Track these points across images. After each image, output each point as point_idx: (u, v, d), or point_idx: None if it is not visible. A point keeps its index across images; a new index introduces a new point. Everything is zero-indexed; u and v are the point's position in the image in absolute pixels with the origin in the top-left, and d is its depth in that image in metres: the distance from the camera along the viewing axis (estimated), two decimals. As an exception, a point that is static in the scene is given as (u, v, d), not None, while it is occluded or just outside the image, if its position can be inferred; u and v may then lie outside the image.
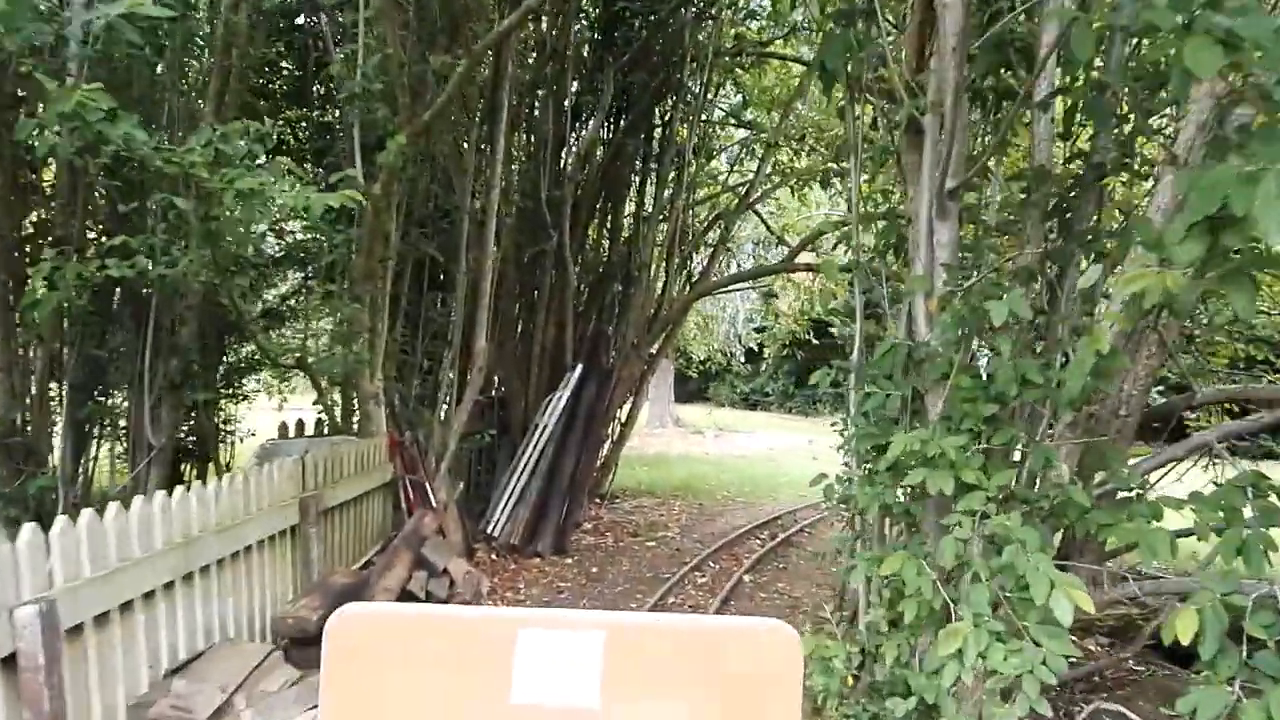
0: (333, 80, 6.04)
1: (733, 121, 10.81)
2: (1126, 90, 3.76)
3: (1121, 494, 3.67)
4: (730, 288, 13.95)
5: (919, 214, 4.02)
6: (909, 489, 3.90)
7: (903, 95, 4.13)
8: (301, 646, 4.41)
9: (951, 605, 3.43)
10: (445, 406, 7.96)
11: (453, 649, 1.60)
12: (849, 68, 4.45)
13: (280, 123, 7.63)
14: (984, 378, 3.85)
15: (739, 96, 10.59)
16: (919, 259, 4.05)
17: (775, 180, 10.91)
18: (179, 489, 3.84)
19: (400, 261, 7.51)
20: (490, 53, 7.21)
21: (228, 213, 4.55)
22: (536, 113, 9.03)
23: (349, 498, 5.96)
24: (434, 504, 7.11)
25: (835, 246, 10.79)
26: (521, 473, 8.89)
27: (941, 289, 3.91)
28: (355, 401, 7.12)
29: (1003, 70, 4.27)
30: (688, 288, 10.06)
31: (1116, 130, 3.85)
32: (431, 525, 6.74)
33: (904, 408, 4.15)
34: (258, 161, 4.48)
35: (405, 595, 5.99)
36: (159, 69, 6.15)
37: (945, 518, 3.54)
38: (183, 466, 8.18)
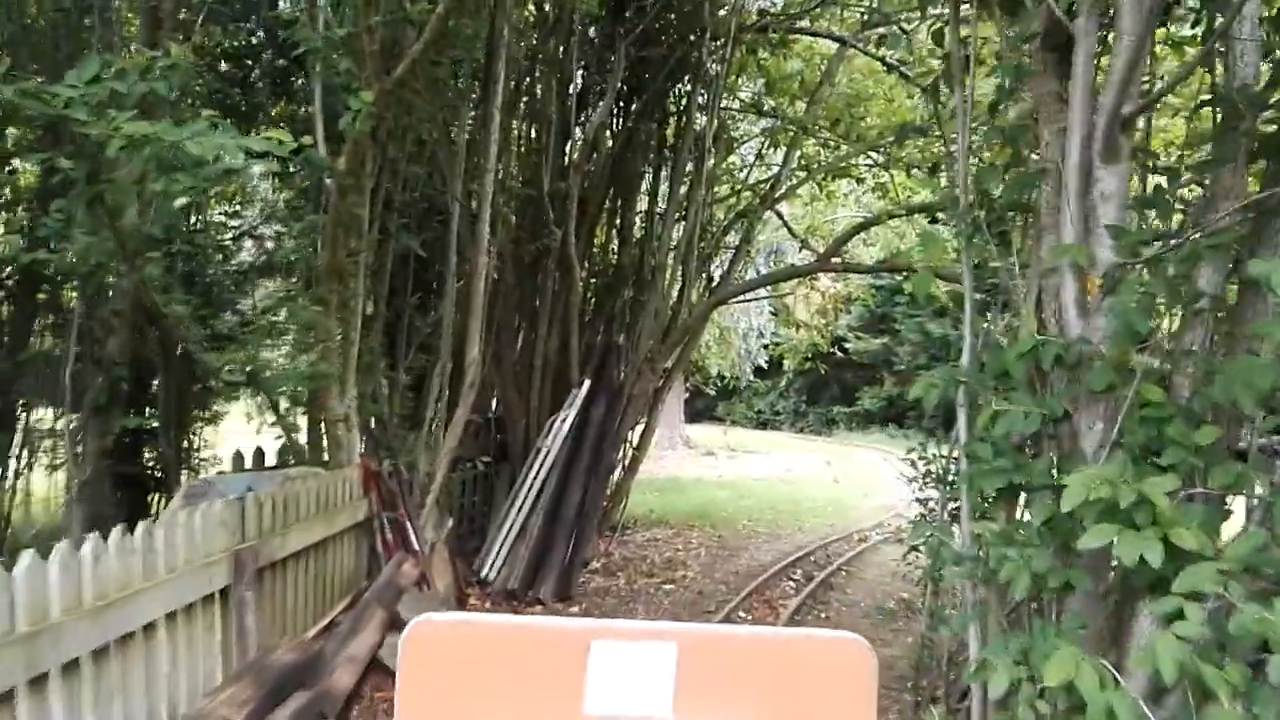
0: (289, 30, 4.93)
1: (754, 111, 9.73)
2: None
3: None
4: (747, 296, 12.84)
5: (1067, 159, 2.89)
6: (1074, 552, 2.73)
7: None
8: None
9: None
10: (432, 429, 6.82)
11: (526, 659, 1.62)
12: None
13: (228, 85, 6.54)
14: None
15: (762, 82, 9.51)
16: (1066, 222, 2.92)
17: (801, 175, 9.81)
18: (26, 554, 2.69)
19: (379, 259, 6.40)
20: (484, 12, 6.13)
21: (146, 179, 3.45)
22: (539, 93, 7.95)
23: (305, 545, 4.81)
24: (416, 547, 5.96)
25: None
26: (521, 505, 7.74)
27: (1108, 261, 2.78)
28: (324, 425, 5.98)
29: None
30: (707, 293, 8.93)
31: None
32: (411, 574, 5.59)
33: (1042, 432, 3.01)
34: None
35: (375, 665, 4.83)
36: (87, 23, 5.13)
37: (1152, 602, 2.39)
38: (151, 497, 7.08)
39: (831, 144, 9.81)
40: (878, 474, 19.37)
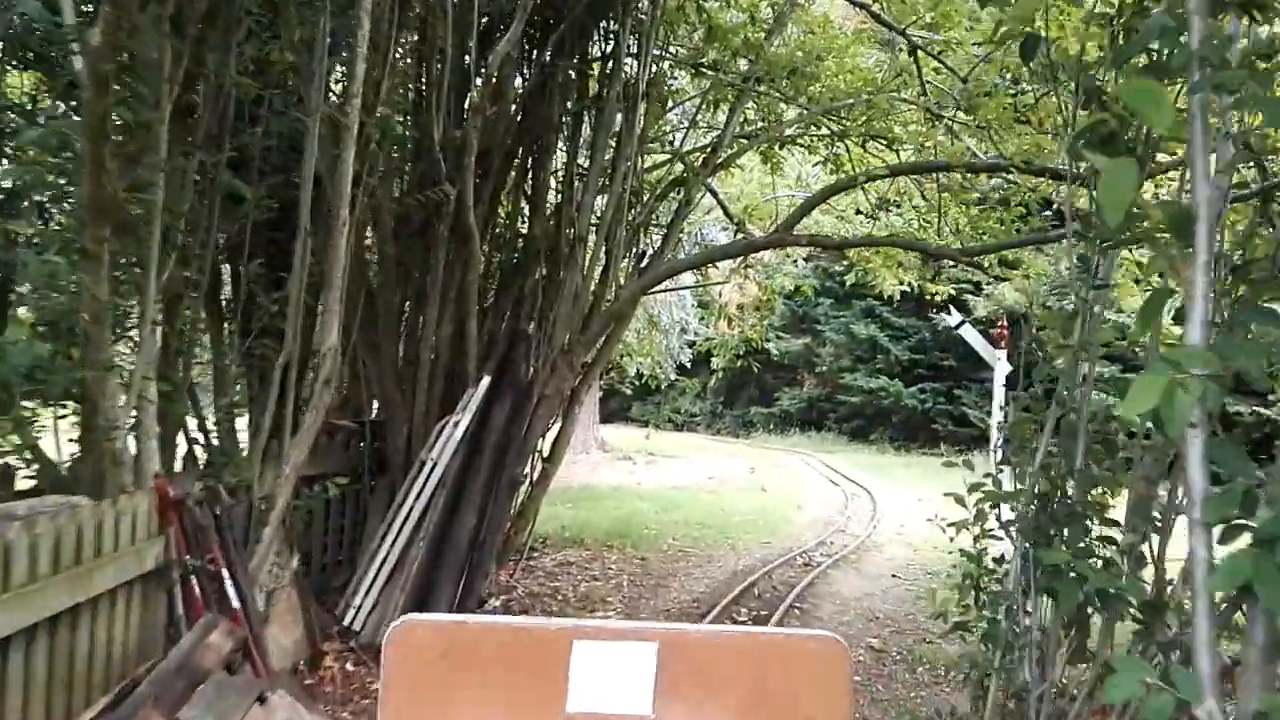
0: None
1: (692, 66, 8.25)
2: None
3: None
4: (679, 282, 11.38)
5: None
6: None
7: None
8: None
9: None
10: (277, 439, 5.15)
11: (509, 660, 1.65)
12: None
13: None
14: None
15: (702, 31, 8.04)
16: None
17: (744, 142, 8.39)
18: None
19: (196, 203, 4.71)
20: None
21: None
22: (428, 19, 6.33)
23: (33, 621, 3.13)
24: (237, 603, 4.28)
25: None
26: (399, 533, 6.12)
27: None
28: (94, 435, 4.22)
29: None
30: (635, 274, 7.43)
31: None
32: (221, 646, 3.92)
33: None
34: None
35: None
36: None
37: None
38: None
39: (780, 107, 8.42)
40: (804, 481, 18.20)
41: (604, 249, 7.14)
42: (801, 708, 1.58)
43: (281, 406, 5.10)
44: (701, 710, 1.59)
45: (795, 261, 12.92)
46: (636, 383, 13.03)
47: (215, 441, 5.11)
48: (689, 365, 19.26)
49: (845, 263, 14.40)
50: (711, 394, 35.26)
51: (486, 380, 6.53)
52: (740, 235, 11.36)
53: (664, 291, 13.59)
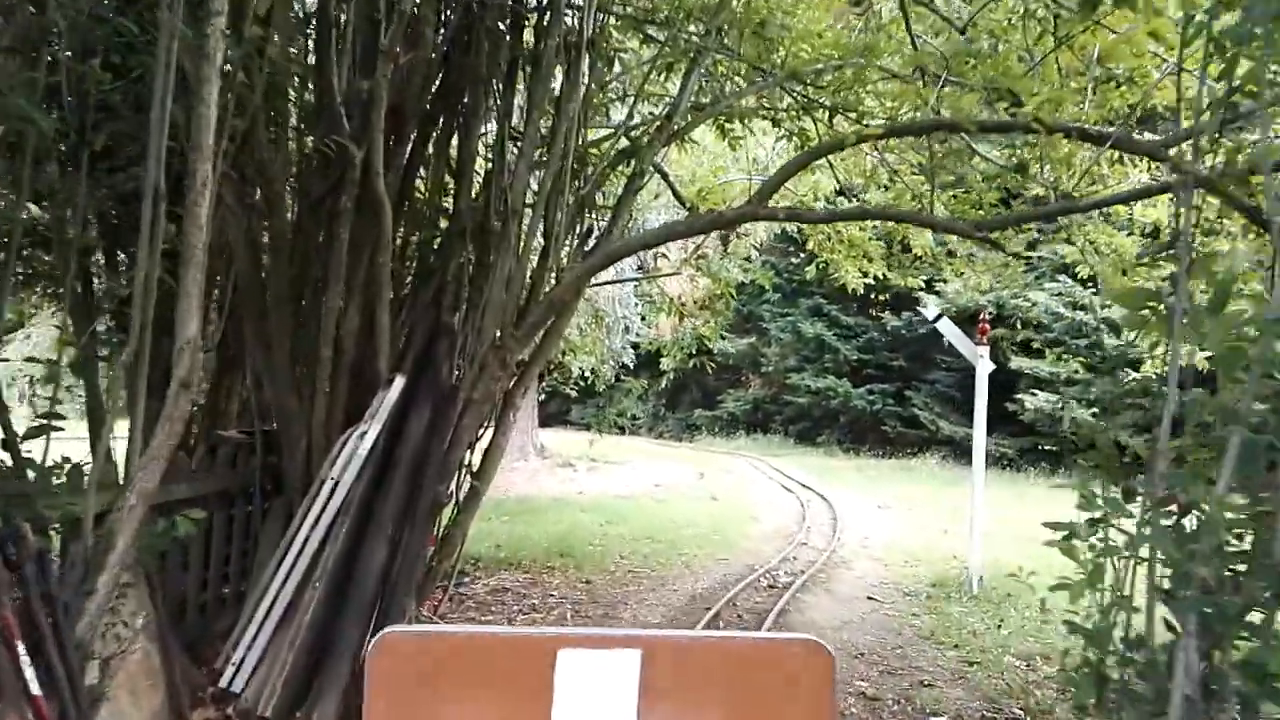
0: None
1: (640, 21, 7.23)
2: None
3: None
4: (620, 277, 10.35)
5: None
6: None
7: None
8: None
9: None
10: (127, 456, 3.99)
11: (494, 670, 1.65)
12: None
13: None
14: None
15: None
16: None
17: (700, 112, 7.40)
18: None
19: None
20: None
21: None
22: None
23: None
24: (38, 686, 3.14)
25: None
26: (292, 569, 4.99)
27: None
28: None
29: None
30: (579, 257, 6.38)
31: None
32: (2, 760, 2.79)
33: None
34: None
35: None
36: None
37: None
38: None
39: (741, 72, 7.45)
40: (756, 487, 17.31)
41: (542, 228, 6.07)
42: (786, 712, 1.61)
43: (118, 412, 3.94)
44: (686, 715, 1.62)
45: (748, 255, 11.93)
46: (580, 384, 11.96)
47: (17, 462, 3.93)
48: (632, 366, 18.25)
49: (803, 254, 13.56)
50: (654, 397, 34.32)
51: (400, 382, 5.43)
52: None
53: (609, 284, 12.53)
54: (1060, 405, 18.23)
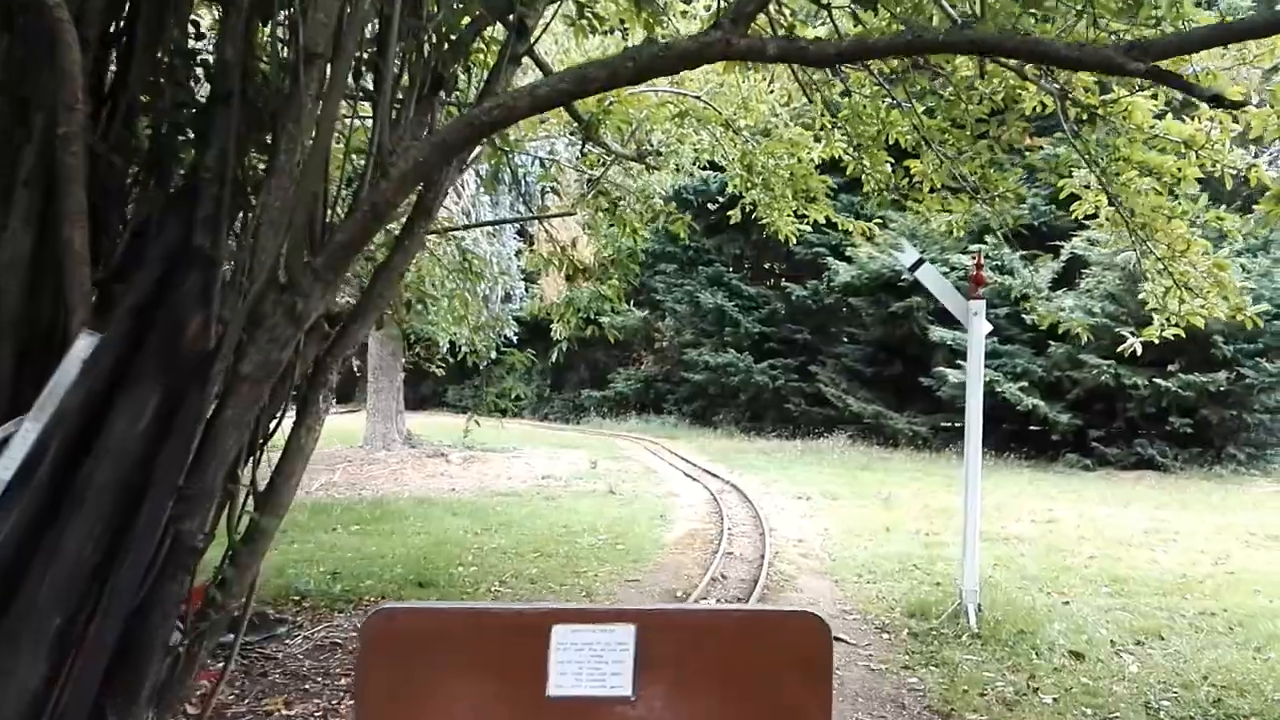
0: None
1: None
2: None
3: None
4: (500, 218, 7.92)
5: None
6: None
7: None
8: None
9: None
10: None
11: (488, 645, 1.65)
12: None
13: None
14: None
15: None
16: None
17: None
18: None
19: None
20: None
21: None
22: None
23: None
24: None
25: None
26: None
27: None
28: None
29: None
30: (427, 128, 3.98)
31: None
32: None
33: None
34: None
35: None
36: None
37: None
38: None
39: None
40: (658, 477, 15.17)
41: (361, 83, 3.67)
42: (782, 684, 1.61)
43: None
44: (682, 690, 1.61)
45: (656, 215, 9.55)
46: (446, 362, 9.66)
47: None
48: (514, 338, 15.80)
49: (724, 196, 11.43)
50: (539, 376, 31.86)
51: (90, 343, 2.98)
52: (596, 154, 8.22)
53: (483, 225, 10.00)
54: (986, 380, 16.76)
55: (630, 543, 9.05)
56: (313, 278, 3.46)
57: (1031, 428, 17.61)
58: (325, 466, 14.87)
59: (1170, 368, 14.73)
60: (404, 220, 4.43)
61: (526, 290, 16.95)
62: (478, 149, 5.86)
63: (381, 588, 6.95)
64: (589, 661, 1.60)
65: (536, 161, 8.01)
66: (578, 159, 9.09)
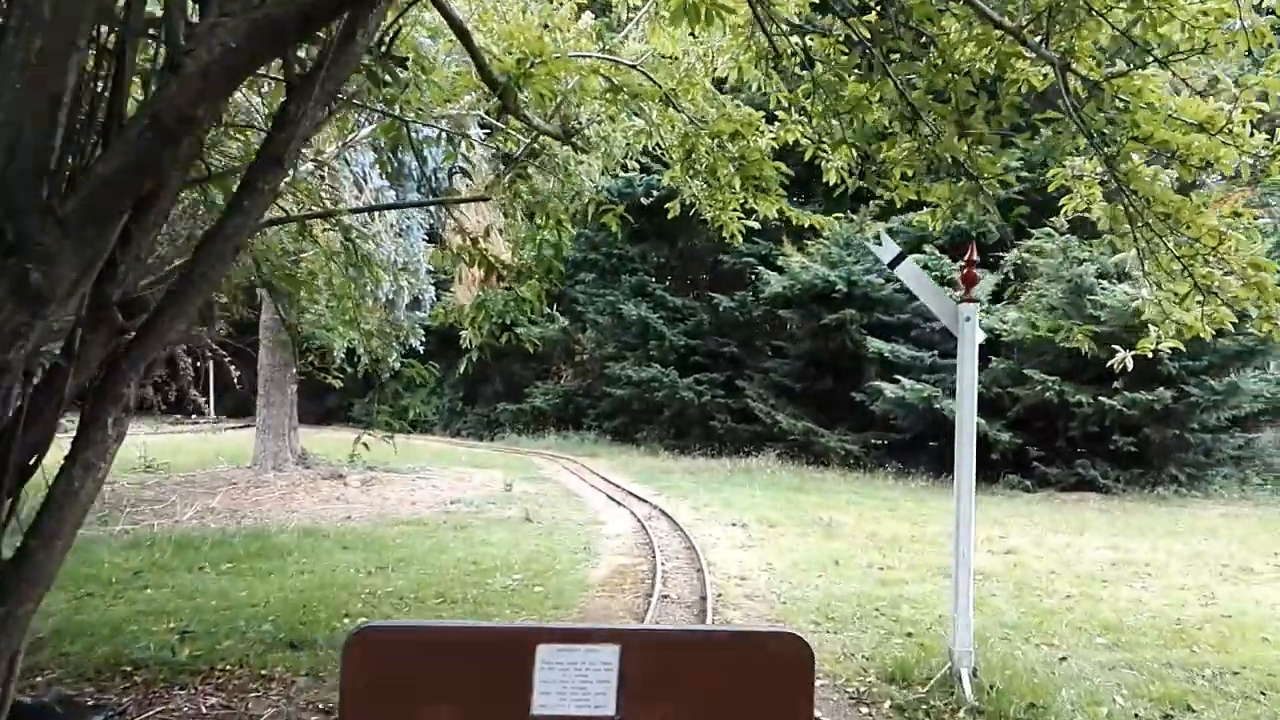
0: None
1: None
2: None
3: None
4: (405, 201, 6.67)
5: None
6: None
7: None
8: None
9: None
10: None
11: (472, 664, 1.62)
12: None
13: None
14: None
15: None
16: None
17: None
18: None
19: None
20: None
21: None
22: None
23: None
24: None
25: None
26: None
27: None
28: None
29: None
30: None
31: None
32: None
33: None
34: None
35: None
36: None
37: None
38: None
39: None
40: (578, 501, 13.92)
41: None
42: (765, 703, 1.61)
43: None
44: (667, 708, 1.60)
45: (585, 207, 8.35)
46: (345, 372, 8.39)
47: None
48: (421, 347, 14.39)
49: (652, 197, 10.34)
50: (450, 390, 30.25)
51: None
52: (515, 124, 7.03)
53: (379, 210, 8.63)
54: (926, 396, 15.99)
55: (550, 583, 7.81)
56: (58, 231, 2.20)
57: (968, 446, 16.99)
58: (205, 490, 13.21)
59: (1115, 384, 14.16)
60: (243, 173, 3.21)
61: (437, 296, 15.56)
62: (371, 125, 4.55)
63: (242, 651, 5.58)
64: (573, 681, 1.60)
65: (443, 136, 6.76)
66: (489, 136, 7.83)
